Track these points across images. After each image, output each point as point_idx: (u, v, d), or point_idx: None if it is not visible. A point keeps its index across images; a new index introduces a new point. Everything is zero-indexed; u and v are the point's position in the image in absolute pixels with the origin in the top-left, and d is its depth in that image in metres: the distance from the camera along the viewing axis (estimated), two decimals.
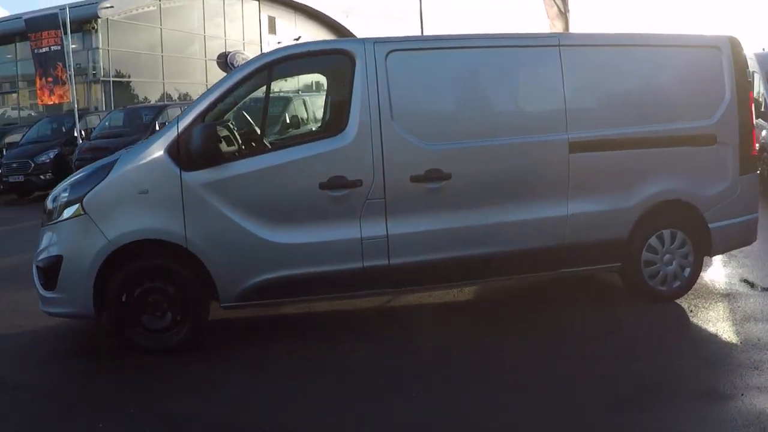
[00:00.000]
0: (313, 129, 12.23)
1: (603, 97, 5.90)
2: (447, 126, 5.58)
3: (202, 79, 38.39)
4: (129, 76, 35.58)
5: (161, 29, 36.34)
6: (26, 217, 13.64)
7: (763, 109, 12.46)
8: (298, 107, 15.70)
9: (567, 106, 5.67)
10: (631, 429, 3.98)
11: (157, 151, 5.30)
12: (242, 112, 6.84)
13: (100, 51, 32.98)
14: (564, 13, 13.29)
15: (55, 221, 5.47)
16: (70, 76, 19.34)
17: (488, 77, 5.80)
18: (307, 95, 17.80)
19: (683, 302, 6.04)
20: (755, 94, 12.42)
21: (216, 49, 39.82)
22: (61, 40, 19.06)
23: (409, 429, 4.15)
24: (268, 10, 44.54)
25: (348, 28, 50.03)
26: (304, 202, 5.36)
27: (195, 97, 5.34)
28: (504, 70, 5.79)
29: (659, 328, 5.58)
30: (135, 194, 5.27)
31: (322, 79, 11.69)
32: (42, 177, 17.12)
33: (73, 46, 24.68)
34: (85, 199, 5.31)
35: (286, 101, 15.37)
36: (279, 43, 40.05)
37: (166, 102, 30.13)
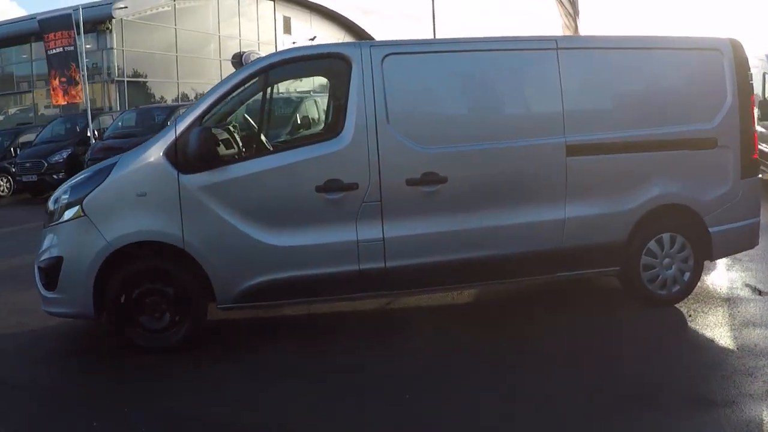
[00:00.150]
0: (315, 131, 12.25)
1: (601, 101, 5.88)
2: (443, 129, 5.59)
3: (217, 79, 38.23)
4: (145, 76, 35.75)
5: (176, 29, 36.48)
6: (38, 217, 13.65)
7: None
8: (309, 108, 15.71)
9: (564, 109, 5.66)
10: None
11: (155, 154, 5.35)
12: (244, 114, 6.88)
13: (115, 51, 33.14)
14: (572, 15, 13.23)
15: (56, 223, 5.54)
16: (83, 76, 19.49)
17: (485, 80, 5.79)
18: (319, 96, 17.80)
19: (683, 306, 6.01)
20: None
21: (231, 49, 39.84)
22: (74, 40, 19.21)
23: (409, 429, 4.17)
24: (284, 10, 44.58)
25: (364, 28, 49.93)
26: (301, 205, 5.38)
27: None
28: (501, 73, 5.78)
29: (656, 332, 5.56)
30: (134, 197, 5.33)
31: None
32: (55, 176, 17.27)
33: (88, 46, 24.93)
34: (84, 201, 5.37)
35: (297, 102, 15.38)
36: (294, 43, 40.11)
37: (181, 102, 30.26)
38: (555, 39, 5.77)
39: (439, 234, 5.50)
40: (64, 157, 17.89)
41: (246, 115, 6.91)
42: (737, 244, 6.28)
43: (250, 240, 5.31)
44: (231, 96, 5.58)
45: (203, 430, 4.25)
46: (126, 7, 31.85)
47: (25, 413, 4.61)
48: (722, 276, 7.00)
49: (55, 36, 19.35)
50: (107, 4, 31.25)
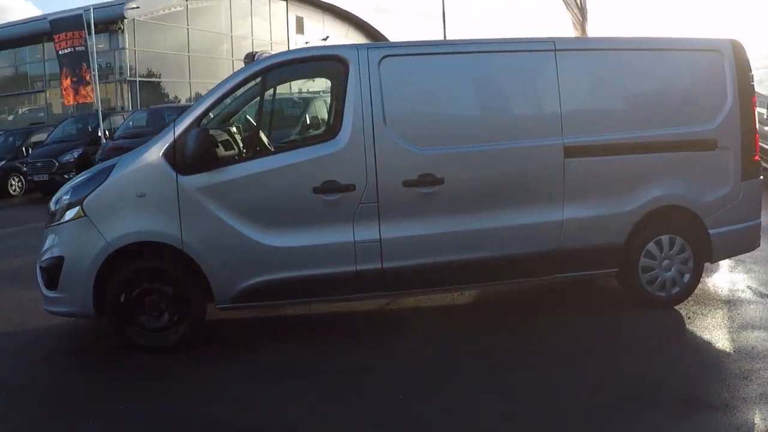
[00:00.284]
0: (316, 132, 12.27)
1: (600, 102, 5.86)
2: (440, 131, 5.59)
3: None
4: (159, 76, 35.92)
5: (188, 29, 36.62)
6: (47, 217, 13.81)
7: None
8: (319, 108, 15.70)
9: (562, 110, 5.64)
10: None
11: (154, 155, 5.40)
12: (246, 116, 6.92)
13: (127, 51, 33.30)
14: (580, 22, 13.19)
15: (57, 223, 5.60)
16: (94, 76, 19.60)
17: (482, 82, 5.80)
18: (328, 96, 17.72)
19: (682, 309, 5.99)
20: None
21: (244, 49, 39.87)
22: (85, 40, 19.32)
23: (410, 429, 4.18)
24: (296, 10, 44.62)
25: (377, 27, 49.89)
26: (298, 206, 5.41)
27: None
28: (498, 74, 5.79)
29: (653, 334, 5.54)
30: (133, 197, 5.38)
31: None
32: (66, 176, 17.27)
33: (100, 46, 25.03)
34: (85, 202, 5.43)
35: (305, 103, 15.39)
36: (307, 43, 40.19)
37: (194, 102, 30.29)
38: (553, 40, 5.76)
39: (436, 235, 5.51)
40: (75, 156, 18.03)
41: (248, 116, 6.95)
42: (738, 246, 6.24)
43: (248, 241, 5.35)
44: (229, 98, 5.62)
45: (203, 430, 4.26)
46: (138, 8, 32.01)
47: (24, 413, 4.62)
48: (724, 278, 6.96)
49: (66, 36, 19.45)
50: (119, 4, 31.41)
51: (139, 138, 16.64)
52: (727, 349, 5.12)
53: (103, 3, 30.94)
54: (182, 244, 5.33)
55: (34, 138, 20.93)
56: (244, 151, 6.05)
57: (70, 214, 5.50)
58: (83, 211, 5.41)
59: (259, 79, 5.60)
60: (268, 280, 5.41)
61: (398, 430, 4.17)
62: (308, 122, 13.92)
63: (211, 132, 5.71)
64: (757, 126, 6.33)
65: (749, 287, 6.60)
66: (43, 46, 33.47)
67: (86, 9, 19.93)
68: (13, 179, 19.70)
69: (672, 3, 78.18)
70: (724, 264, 7.23)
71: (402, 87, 5.52)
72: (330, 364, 5.18)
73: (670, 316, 5.88)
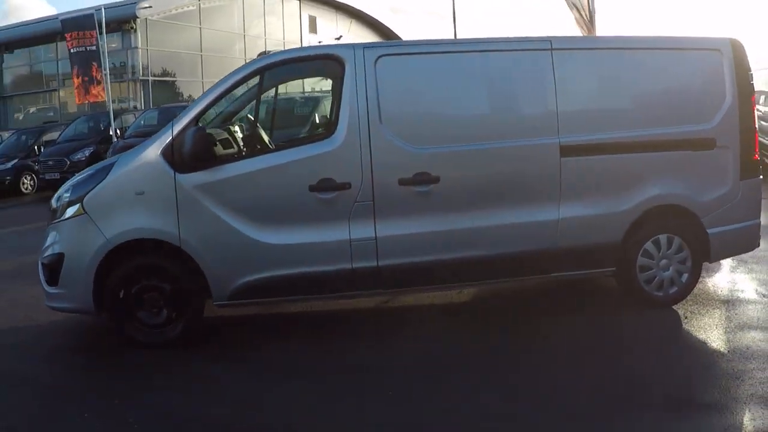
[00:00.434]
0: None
1: (597, 101, 5.86)
2: (436, 130, 5.60)
3: None
4: (173, 75, 36.07)
5: (201, 29, 36.77)
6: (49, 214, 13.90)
7: None
8: (327, 107, 15.65)
9: (558, 109, 5.65)
10: None
11: (153, 153, 5.46)
12: (247, 115, 6.96)
13: (140, 51, 33.48)
14: (583, 17, 13.14)
15: (58, 220, 5.67)
16: (105, 75, 19.72)
17: (478, 81, 5.79)
18: None
19: (679, 308, 5.97)
20: None
21: (257, 48, 39.97)
22: (97, 40, 19.44)
23: (410, 429, 4.19)
24: (309, 10, 44.69)
25: (390, 26, 49.85)
26: (295, 204, 5.45)
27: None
28: (495, 73, 5.79)
29: (649, 334, 5.53)
30: (132, 195, 5.45)
31: None
32: None
33: (113, 45, 25.13)
34: (85, 200, 5.50)
35: (316, 101, 15.41)
36: (320, 42, 40.21)
37: None
38: (549, 39, 5.76)
39: (431, 233, 5.53)
40: (87, 155, 18.16)
41: (249, 115, 7.00)
42: (736, 245, 6.22)
43: (245, 238, 5.39)
44: (227, 97, 5.67)
45: (203, 430, 4.26)
46: (150, 7, 32.16)
47: (25, 411, 4.64)
48: (725, 278, 6.94)
49: (78, 35, 19.57)
50: (131, 3, 31.58)
51: (150, 137, 16.77)
52: (722, 349, 5.11)
53: (116, 2, 31.13)
54: (180, 241, 5.38)
55: (47, 137, 21.15)
56: (243, 149, 6.09)
57: (70, 212, 5.57)
58: (83, 208, 5.48)
59: (256, 79, 5.64)
60: (265, 278, 5.46)
61: (398, 430, 4.18)
62: (318, 121, 13.94)
63: (212, 131, 5.78)
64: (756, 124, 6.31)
65: (749, 287, 6.57)
66: (57, 45, 33.69)
67: (98, 9, 20.05)
68: (26, 177, 19.91)
69: (672, 3, 77.68)
70: (726, 263, 7.21)
71: (398, 86, 5.54)
72: (331, 364, 5.19)
73: (669, 315, 5.86)
